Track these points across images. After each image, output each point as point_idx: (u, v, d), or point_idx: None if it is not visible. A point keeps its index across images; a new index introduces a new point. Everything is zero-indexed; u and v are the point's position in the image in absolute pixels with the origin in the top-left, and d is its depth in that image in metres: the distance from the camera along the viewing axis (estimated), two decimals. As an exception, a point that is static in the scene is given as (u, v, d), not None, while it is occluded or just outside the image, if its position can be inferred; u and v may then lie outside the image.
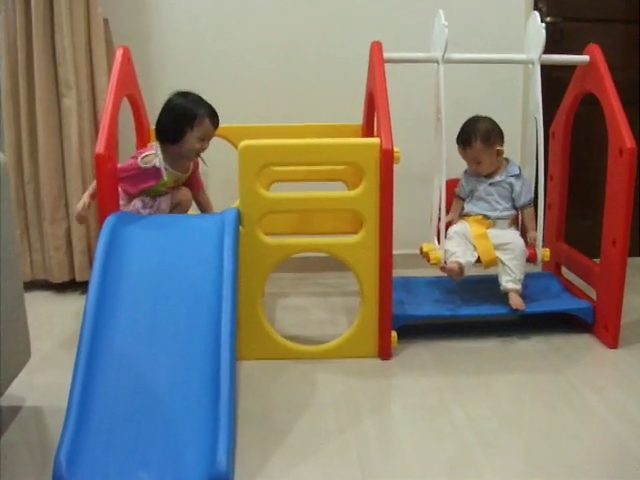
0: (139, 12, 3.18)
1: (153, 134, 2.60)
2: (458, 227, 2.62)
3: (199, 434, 1.62)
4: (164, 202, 2.44)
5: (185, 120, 2.40)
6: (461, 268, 2.52)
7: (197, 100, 2.45)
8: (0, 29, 2.91)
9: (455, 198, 2.75)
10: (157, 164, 2.38)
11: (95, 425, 1.63)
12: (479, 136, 2.60)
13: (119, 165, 2.39)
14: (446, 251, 2.55)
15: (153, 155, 2.39)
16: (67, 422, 1.62)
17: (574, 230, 3.01)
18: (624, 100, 2.44)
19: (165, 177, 2.40)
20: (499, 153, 2.64)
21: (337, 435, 1.90)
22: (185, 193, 2.55)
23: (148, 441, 1.62)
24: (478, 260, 2.57)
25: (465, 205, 2.72)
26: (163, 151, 2.42)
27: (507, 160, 2.70)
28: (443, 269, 2.55)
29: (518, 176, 2.65)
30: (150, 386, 1.72)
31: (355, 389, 2.17)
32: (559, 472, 1.73)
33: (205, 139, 2.44)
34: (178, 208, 2.51)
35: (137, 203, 2.41)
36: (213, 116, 2.44)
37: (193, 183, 2.61)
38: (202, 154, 2.51)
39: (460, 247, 2.55)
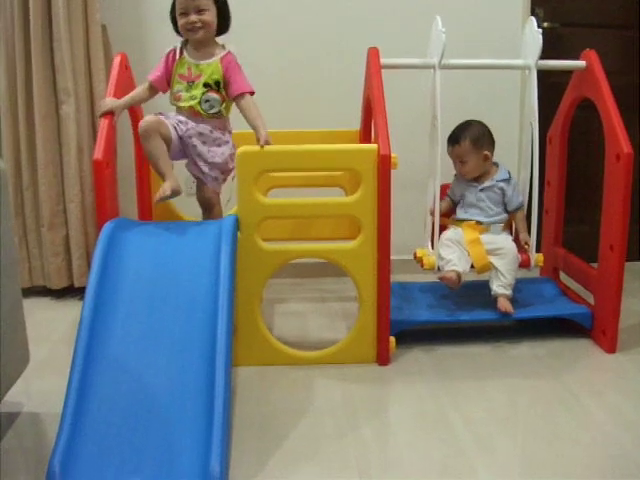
0: (137, 18, 3.19)
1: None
2: (451, 233, 2.63)
3: (193, 440, 1.63)
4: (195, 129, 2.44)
5: (172, 9, 2.47)
6: (459, 276, 2.52)
7: None
8: (-2, 37, 2.92)
9: (446, 198, 2.76)
10: (176, 44, 2.49)
11: (90, 431, 1.64)
12: (468, 136, 2.61)
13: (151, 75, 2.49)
14: (441, 258, 2.57)
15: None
16: (62, 428, 1.62)
17: (572, 235, 3.02)
18: (621, 105, 2.45)
19: (185, 54, 2.47)
20: (486, 158, 2.64)
21: (335, 440, 1.90)
22: (210, 192, 2.51)
23: (143, 447, 1.62)
24: (472, 265, 2.58)
25: (457, 211, 2.72)
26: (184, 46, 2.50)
27: (496, 165, 2.70)
28: (442, 278, 2.55)
29: (508, 180, 2.65)
30: (145, 392, 1.72)
31: (353, 395, 2.17)
32: (557, 476, 1.73)
33: (184, 12, 2.42)
34: (206, 212, 2.51)
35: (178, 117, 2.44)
36: None
37: (230, 86, 2.53)
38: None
39: (455, 254, 2.55)
